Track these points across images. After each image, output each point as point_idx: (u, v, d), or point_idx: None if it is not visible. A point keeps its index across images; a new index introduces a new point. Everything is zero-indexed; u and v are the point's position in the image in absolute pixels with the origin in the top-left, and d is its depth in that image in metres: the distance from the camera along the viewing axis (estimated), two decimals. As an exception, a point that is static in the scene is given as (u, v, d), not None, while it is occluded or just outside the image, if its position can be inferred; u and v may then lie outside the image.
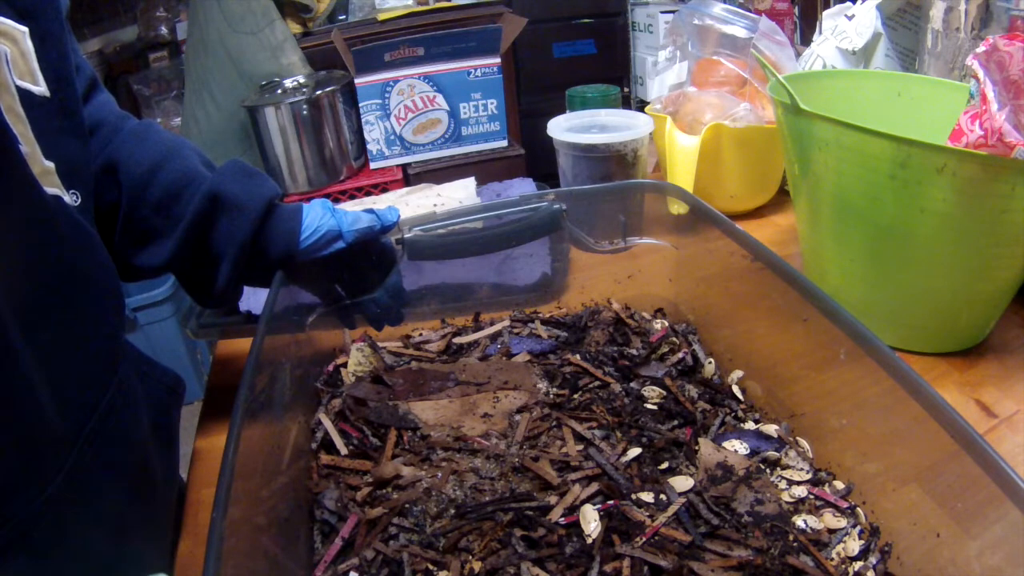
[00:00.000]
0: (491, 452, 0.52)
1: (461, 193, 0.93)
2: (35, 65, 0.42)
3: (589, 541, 0.44)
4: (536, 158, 1.35)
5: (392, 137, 1.39)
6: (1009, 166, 0.51)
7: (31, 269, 0.39)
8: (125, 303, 0.50)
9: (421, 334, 0.70)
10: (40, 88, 0.43)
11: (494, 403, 0.58)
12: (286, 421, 0.51)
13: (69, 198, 0.44)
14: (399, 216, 0.60)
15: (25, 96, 0.41)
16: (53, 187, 0.42)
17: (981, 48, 0.55)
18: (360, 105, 1.34)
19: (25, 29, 0.42)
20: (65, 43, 0.46)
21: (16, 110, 0.40)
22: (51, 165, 0.42)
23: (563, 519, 0.46)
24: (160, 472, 0.52)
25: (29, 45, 0.42)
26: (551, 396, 0.58)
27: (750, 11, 1.02)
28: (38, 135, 0.41)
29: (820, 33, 1.00)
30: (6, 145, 0.37)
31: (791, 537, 0.45)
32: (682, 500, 0.47)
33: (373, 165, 1.43)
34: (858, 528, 0.45)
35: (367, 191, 1.40)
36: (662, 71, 1.14)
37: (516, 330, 0.69)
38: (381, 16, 1.75)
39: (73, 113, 0.46)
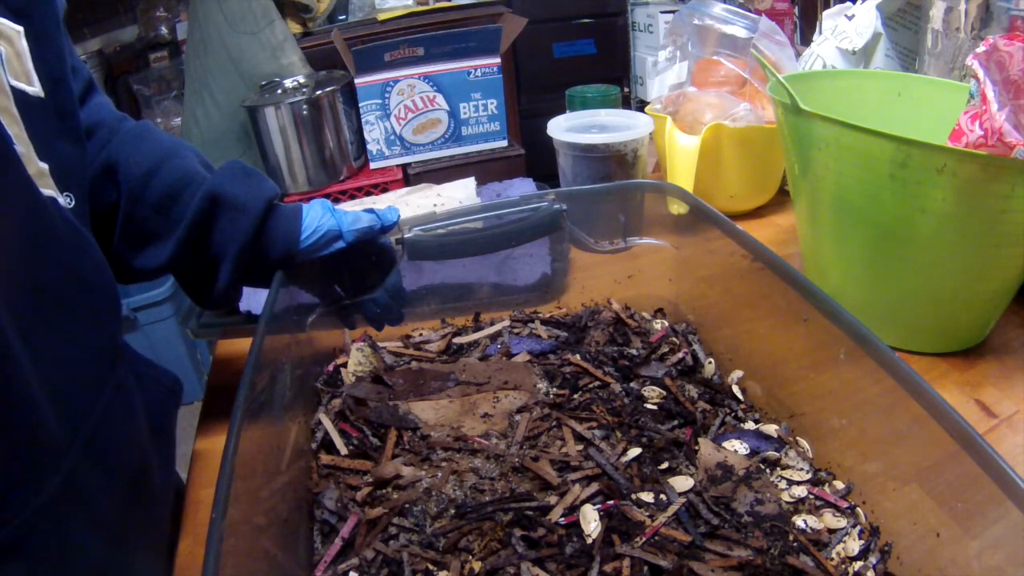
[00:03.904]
0: (491, 452, 0.52)
1: (461, 193, 0.93)
2: (30, 65, 0.42)
3: (589, 541, 0.44)
4: (536, 158, 1.35)
5: (392, 137, 1.39)
6: (1009, 166, 0.51)
7: (28, 270, 0.39)
8: (121, 305, 0.50)
9: (421, 334, 0.70)
10: (35, 89, 0.42)
11: (494, 403, 0.58)
12: (286, 421, 0.51)
13: (63, 200, 0.44)
14: (399, 216, 0.60)
15: (19, 96, 0.41)
16: (47, 189, 0.42)
17: (981, 48, 0.55)
18: (360, 105, 1.34)
19: (20, 29, 0.42)
20: (61, 44, 0.46)
21: (10, 110, 0.40)
22: (45, 167, 0.42)
23: (563, 519, 0.46)
24: (157, 474, 0.52)
25: (24, 45, 0.42)
26: (551, 396, 0.58)
27: (750, 11, 1.02)
28: (32, 136, 0.41)
29: (820, 33, 1.00)
30: (2, 145, 0.37)
31: (791, 537, 0.45)
32: (682, 500, 0.47)
33: (373, 165, 1.42)
34: (858, 528, 0.45)
35: (367, 191, 1.40)
36: (662, 71, 1.14)
37: (516, 330, 0.69)
38: (381, 16, 1.75)
39: (68, 114, 0.46)
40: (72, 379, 0.42)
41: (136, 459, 0.49)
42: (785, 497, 0.48)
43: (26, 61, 0.42)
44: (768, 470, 0.51)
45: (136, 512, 0.48)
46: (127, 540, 0.47)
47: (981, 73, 0.54)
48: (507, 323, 0.70)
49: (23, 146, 0.40)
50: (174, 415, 0.59)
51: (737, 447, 0.52)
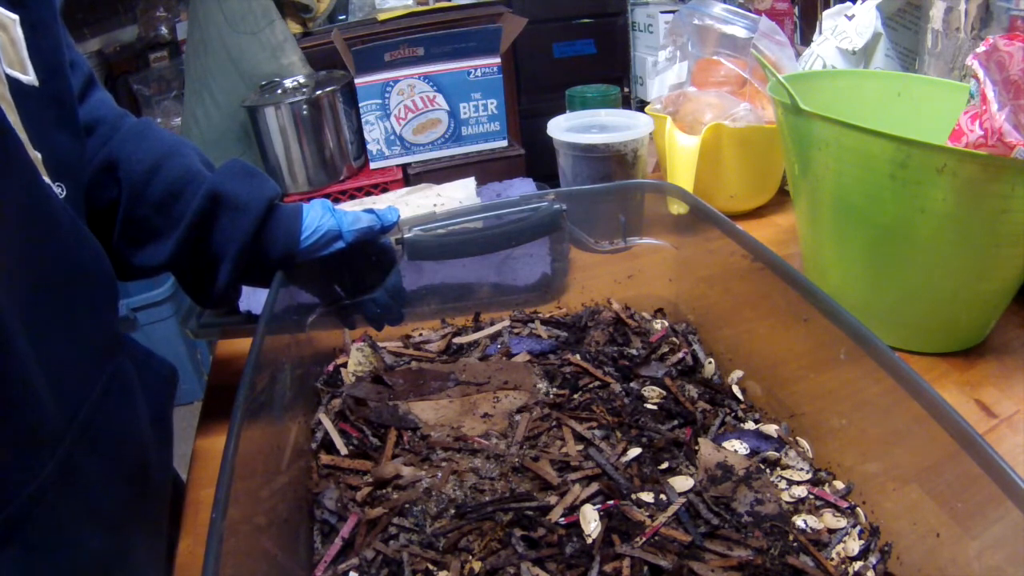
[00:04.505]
0: (491, 452, 0.52)
1: (461, 193, 0.93)
2: (24, 54, 0.42)
3: (589, 541, 0.44)
4: (536, 158, 1.35)
5: (392, 137, 1.39)
6: (1009, 166, 0.51)
7: (28, 254, 0.39)
8: (119, 293, 0.50)
9: (421, 334, 0.70)
10: (29, 77, 0.42)
11: (494, 403, 0.58)
12: (286, 421, 0.51)
13: (56, 190, 0.44)
14: (399, 216, 0.60)
15: (14, 85, 0.41)
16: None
17: (981, 48, 0.55)
18: (360, 105, 1.34)
19: (16, 17, 0.42)
20: (58, 34, 0.46)
21: (6, 98, 0.40)
22: (39, 155, 0.42)
23: (563, 519, 0.46)
24: (156, 467, 0.52)
25: (19, 33, 0.42)
26: (551, 396, 0.58)
27: (750, 11, 1.02)
28: (27, 125, 0.41)
29: (820, 33, 1.00)
30: (3, 129, 0.37)
31: (791, 537, 0.45)
32: (682, 500, 0.47)
33: (373, 165, 1.42)
34: (858, 528, 0.45)
35: (367, 191, 1.40)
36: (662, 71, 1.14)
37: (516, 330, 0.69)
38: (381, 16, 1.75)
39: (64, 105, 0.45)
40: (70, 363, 0.42)
41: (135, 449, 0.49)
42: (785, 497, 0.48)
43: (21, 49, 0.42)
44: (768, 470, 0.51)
45: (135, 505, 0.48)
46: (126, 533, 0.46)
47: (981, 73, 0.54)
48: (507, 323, 0.70)
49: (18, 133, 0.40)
50: (171, 404, 0.59)
51: (737, 447, 0.52)
